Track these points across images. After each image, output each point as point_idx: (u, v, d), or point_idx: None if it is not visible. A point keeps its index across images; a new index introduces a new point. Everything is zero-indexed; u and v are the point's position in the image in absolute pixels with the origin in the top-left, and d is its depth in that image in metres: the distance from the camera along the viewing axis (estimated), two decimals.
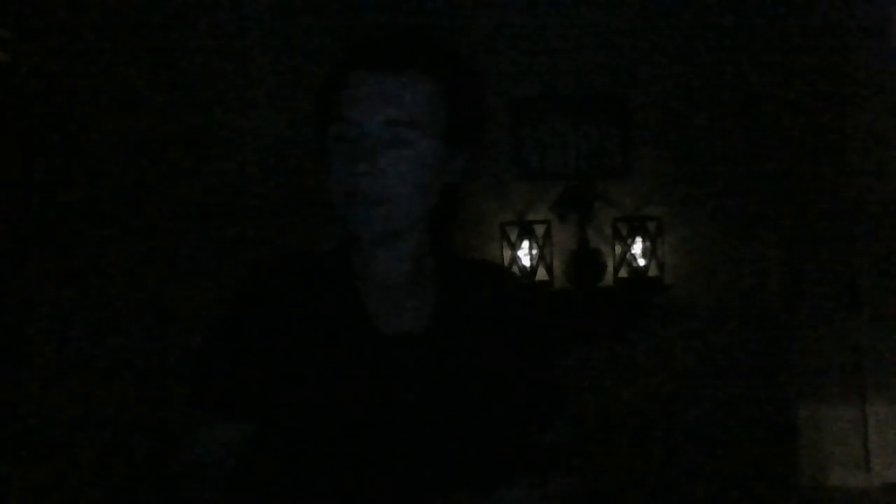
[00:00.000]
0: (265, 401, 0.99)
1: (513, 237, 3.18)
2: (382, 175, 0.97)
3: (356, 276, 1.05)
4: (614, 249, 3.24)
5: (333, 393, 0.97)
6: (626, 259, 3.22)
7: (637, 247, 3.22)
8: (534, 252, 3.17)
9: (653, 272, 3.22)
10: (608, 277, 3.24)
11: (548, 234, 3.19)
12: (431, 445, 0.97)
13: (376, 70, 0.98)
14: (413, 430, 0.97)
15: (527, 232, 3.18)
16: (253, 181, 3.10)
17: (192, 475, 1.03)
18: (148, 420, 2.88)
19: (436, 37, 1.05)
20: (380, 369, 0.99)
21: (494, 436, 1.01)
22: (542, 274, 3.18)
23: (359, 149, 0.97)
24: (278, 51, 3.18)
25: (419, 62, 1.00)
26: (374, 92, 0.98)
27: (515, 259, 3.16)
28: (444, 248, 1.10)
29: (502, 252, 3.16)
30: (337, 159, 0.99)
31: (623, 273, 3.23)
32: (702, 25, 3.39)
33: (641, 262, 3.21)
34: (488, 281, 1.12)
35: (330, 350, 1.00)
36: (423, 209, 1.03)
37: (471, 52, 1.21)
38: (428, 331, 1.02)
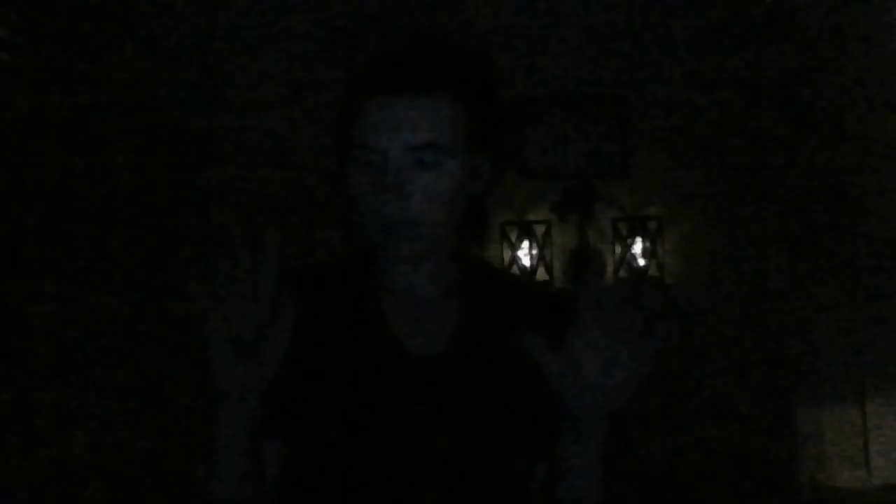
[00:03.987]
0: (292, 419, 0.99)
1: (513, 237, 3.18)
2: (409, 200, 0.97)
3: (380, 289, 1.05)
4: (614, 249, 3.24)
5: (362, 413, 0.97)
6: (626, 259, 3.22)
7: (637, 247, 3.22)
8: (534, 252, 3.17)
9: (653, 272, 3.22)
10: (608, 277, 3.23)
11: (548, 234, 3.19)
12: (456, 466, 0.97)
13: (394, 95, 0.97)
14: (438, 450, 0.97)
15: (527, 232, 3.17)
16: (255, 181, 3.10)
17: (223, 497, 0.99)
18: (147, 420, 2.88)
19: (450, 49, 1.02)
20: (407, 389, 0.98)
21: (517, 462, 1.00)
22: (542, 274, 3.17)
23: (384, 175, 0.97)
24: (279, 49, 3.17)
25: (437, 83, 0.98)
26: (395, 117, 0.97)
27: (515, 259, 3.16)
28: (470, 258, 1.10)
29: (502, 252, 3.16)
30: (363, 186, 0.99)
31: (623, 273, 3.23)
32: (702, 26, 3.39)
33: (641, 262, 3.21)
34: (514, 296, 1.10)
35: (358, 369, 0.99)
36: (451, 227, 1.03)
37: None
38: (451, 348, 1.01)
